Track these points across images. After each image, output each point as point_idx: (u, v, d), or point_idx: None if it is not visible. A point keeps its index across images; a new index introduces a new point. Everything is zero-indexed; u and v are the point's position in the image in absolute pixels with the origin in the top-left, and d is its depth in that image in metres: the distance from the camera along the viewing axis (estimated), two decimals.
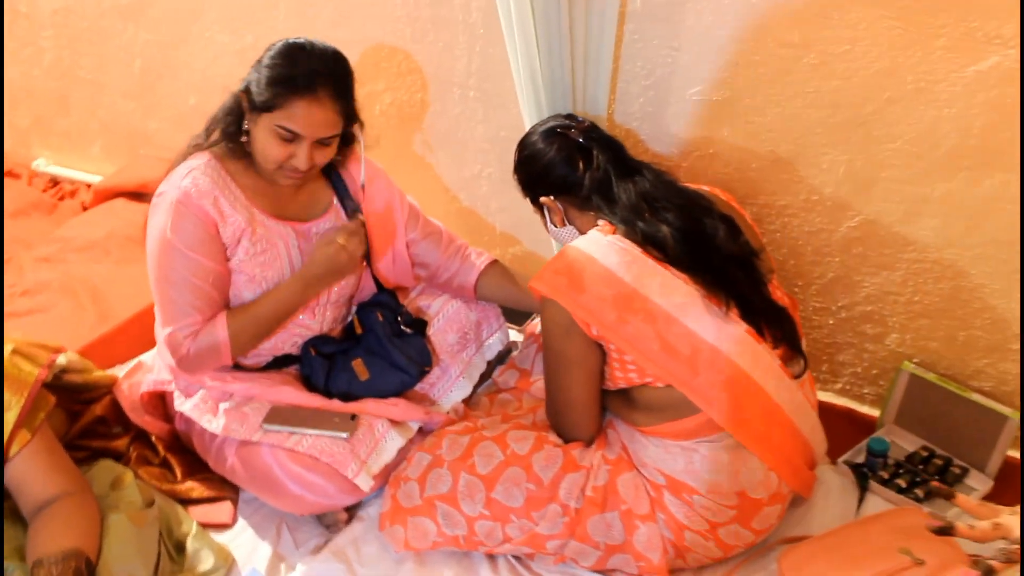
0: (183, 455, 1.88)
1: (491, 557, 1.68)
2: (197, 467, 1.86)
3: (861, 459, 1.86)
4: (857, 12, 1.59)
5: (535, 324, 2.11)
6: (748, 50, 1.72)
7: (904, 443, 1.90)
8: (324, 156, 1.66)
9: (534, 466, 1.61)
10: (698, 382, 1.52)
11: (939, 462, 1.82)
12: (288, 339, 1.83)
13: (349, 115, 1.66)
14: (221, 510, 1.80)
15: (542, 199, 1.72)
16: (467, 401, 1.95)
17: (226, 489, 1.83)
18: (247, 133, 1.66)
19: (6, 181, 2.98)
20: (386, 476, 1.74)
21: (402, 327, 1.90)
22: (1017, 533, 1.09)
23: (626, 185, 1.63)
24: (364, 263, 1.89)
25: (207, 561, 1.65)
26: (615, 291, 1.53)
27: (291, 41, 1.62)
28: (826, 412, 1.73)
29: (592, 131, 1.70)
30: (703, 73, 1.80)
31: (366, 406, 1.78)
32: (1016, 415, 1.74)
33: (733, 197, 1.75)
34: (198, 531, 1.70)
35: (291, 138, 1.60)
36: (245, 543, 1.73)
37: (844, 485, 1.81)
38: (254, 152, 1.66)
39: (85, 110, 2.95)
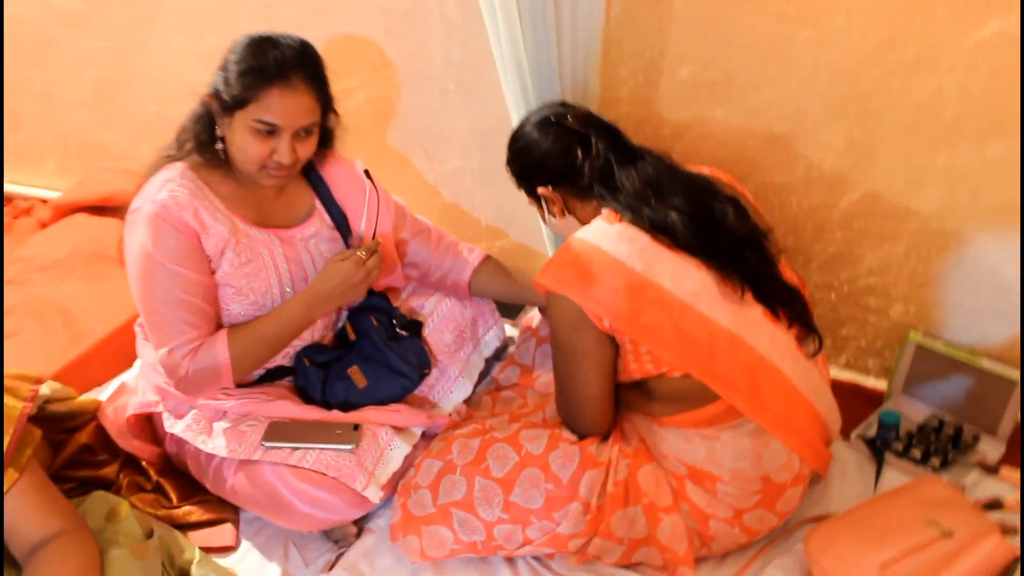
0: (176, 478, 1.81)
1: (510, 560, 1.64)
2: (192, 489, 1.78)
3: (873, 433, 1.85)
4: None
5: (530, 317, 2.07)
6: (741, 27, 1.69)
7: (913, 413, 1.90)
8: (306, 149, 1.61)
9: (552, 465, 1.57)
10: (717, 369, 1.49)
11: (950, 430, 1.82)
12: None
13: (325, 102, 1.61)
14: (223, 533, 1.73)
15: (540, 190, 1.67)
16: (468, 401, 1.90)
17: (225, 510, 1.75)
18: (222, 139, 1.60)
19: None
20: (394, 485, 1.68)
21: (397, 330, 1.85)
22: None
23: (628, 172, 1.59)
24: None
25: None
26: (627, 281, 1.49)
27: (253, 35, 1.58)
28: (831, 387, 1.70)
29: (588, 118, 1.65)
30: (694, 53, 1.77)
31: (367, 414, 1.73)
32: None
33: (733, 178, 1.72)
34: (202, 557, 1.63)
35: (270, 131, 1.54)
36: (252, 565, 1.67)
37: (859, 460, 1.80)
38: (232, 156, 1.60)
39: (37, 124, 2.82)
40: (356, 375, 1.78)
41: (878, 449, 1.79)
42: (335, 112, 1.67)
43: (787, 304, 1.57)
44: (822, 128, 1.73)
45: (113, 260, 2.41)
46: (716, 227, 1.55)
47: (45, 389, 1.65)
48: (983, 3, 1.48)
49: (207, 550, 1.66)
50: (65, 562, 1.42)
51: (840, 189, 1.79)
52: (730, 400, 1.50)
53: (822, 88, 1.69)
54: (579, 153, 1.61)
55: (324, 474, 1.60)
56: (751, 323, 1.51)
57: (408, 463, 1.69)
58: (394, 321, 1.85)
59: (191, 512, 1.74)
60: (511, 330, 2.13)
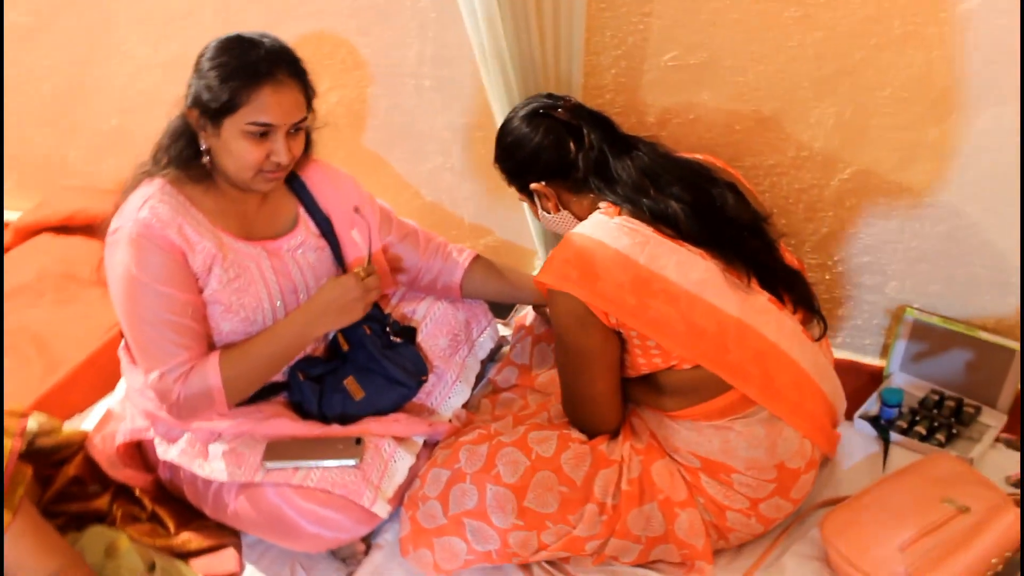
0: (172, 505, 1.74)
1: (525, 566, 1.60)
2: (189, 516, 1.72)
3: (875, 411, 1.84)
4: None
5: (523, 315, 2.04)
6: (725, 8, 1.67)
7: (912, 389, 1.90)
8: (298, 146, 1.58)
9: (564, 467, 1.54)
10: (729, 359, 1.47)
11: (952, 404, 1.83)
12: None
13: (309, 97, 1.57)
14: (225, 559, 1.67)
15: (532, 186, 1.63)
16: (466, 405, 1.86)
17: (225, 534, 1.69)
18: (207, 152, 1.53)
19: None
20: (399, 497, 1.64)
21: (391, 337, 1.80)
22: None
23: (624, 162, 1.55)
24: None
25: None
26: (631, 275, 1.46)
27: (225, 38, 1.52)
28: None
29: (579, 109, 1.61)
30: (678, 37, 1.74)
31: (368, 426, 1.68)
32: None
33: (724, 162, 1.70)
34: None
35: (264, 132, 1.50)
36: None
37: (865, 440, 1.80)
38: (223, 166, 1.54)
39: None
40: (352, 386, 1.73)
41: (883, 428, 1.79)
42: (314, 110, 1.62)
43: (790, 288, 1.56)
44: (811, 107, 1.72)
45: (84, 281, 2.33)
46: (717, 214, 1.52)
47: (32, 423, 1.58)
48: None
49: None
50: None
51: (831, 168, 1.78)
52: (744, 390, 1.48)
53: (809, 67, 1.67)
54: (572, 145, 1.57)
55: (330, 492, 1.55)
56: (758, 310, 1.49)
57: (412, 474, 1.65)
58: (388, 329, 1.81)
59: (190, 540, 1.68)
60: (504, 330, 2.09)
